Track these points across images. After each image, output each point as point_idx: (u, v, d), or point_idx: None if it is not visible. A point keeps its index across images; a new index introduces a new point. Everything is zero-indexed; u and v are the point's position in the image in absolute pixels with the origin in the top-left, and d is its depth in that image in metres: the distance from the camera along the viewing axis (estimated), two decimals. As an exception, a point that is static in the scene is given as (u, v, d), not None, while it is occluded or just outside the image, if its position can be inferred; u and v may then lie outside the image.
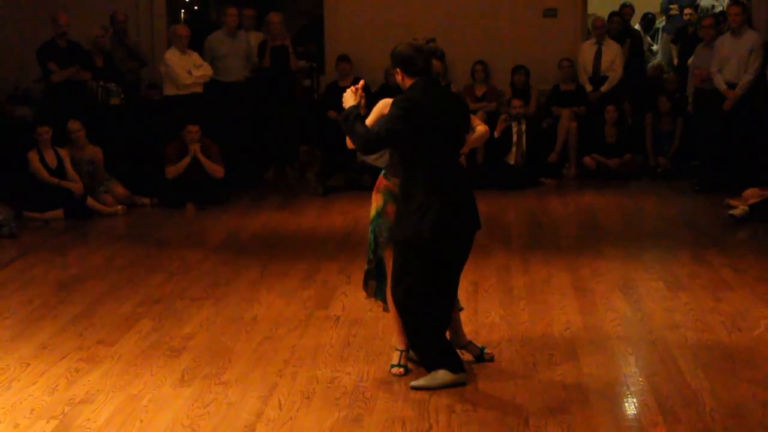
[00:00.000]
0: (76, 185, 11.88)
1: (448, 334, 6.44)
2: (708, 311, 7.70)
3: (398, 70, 6.11)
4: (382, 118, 6.06)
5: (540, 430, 5.53)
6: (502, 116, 13.64)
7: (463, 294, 6.67)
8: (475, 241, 6.31)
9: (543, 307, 7.89)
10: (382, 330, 7.10)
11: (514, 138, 13.51)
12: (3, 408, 5.95)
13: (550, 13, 14.80)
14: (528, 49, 14.57)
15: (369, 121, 6.18)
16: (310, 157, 14.07)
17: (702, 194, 12.57)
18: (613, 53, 14.35)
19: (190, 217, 12.00)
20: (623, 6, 16.12)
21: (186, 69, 13.06)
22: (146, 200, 12.49)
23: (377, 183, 6.48)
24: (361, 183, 12.22)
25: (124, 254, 10.01)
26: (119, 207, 12.10)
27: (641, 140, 14.25)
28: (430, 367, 6.19)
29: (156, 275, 9.09)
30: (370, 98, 6.45)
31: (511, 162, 13.53)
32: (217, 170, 12.54)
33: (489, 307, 7.84)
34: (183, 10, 17.52)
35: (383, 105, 6.29)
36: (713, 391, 6.05)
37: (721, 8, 15.91)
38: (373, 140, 5.97)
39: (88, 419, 5.77)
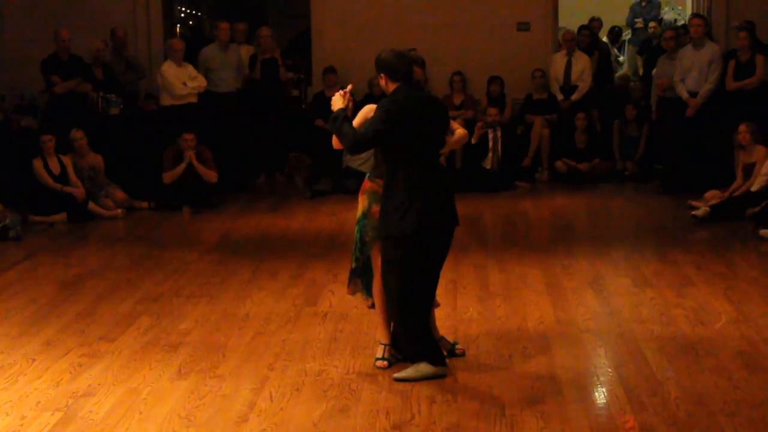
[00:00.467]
0: (78, 190, 11.86)
1: None
2: (672, 306, 7.73)
3: (382, 75, 6.11)
4: (368, 120, 6.07)
5: (515, 418, 5.53)
6: (479, 124, 13.55)
7: (442, 291, 6.67)
8: (453, 241, 6.31)
9: (518, 303, 7.90)
10: (367, 325, 7.10)
11: (491, 144, 13.54)
12: (10, 401, 5.94)
13: (524, 26, 14.82)
14: (503, 60, 14.59)
15: (354, 124, 6.18)
16: (298, 163, 14.06)
17: (666, 196, 12.61)
18: (582, 64, 14.39)
19: (185, 220, 11.99)
20: (592, 20, 16.18)
21: (181, 80, 13.06)
22: (144, 204, 12.47)
23: (362, 185, 6.48)
24: (346, 187, 12.24)
25: (123, 255, 9.99)
26: (119, 210, 12.08)
27: (609, 145, 14.29)
28: (413, 359, 6.19)
29: (154, 275, 9.08)
30: (356, 106, 6.45)
31: (488, 167, 13.55)
32: (211, 175, 12.53)
33: (467, 304, 7.85)
34: (178, 25, 17.51)
35: (367, 110, 6.30)
36: (677, 381, 6.07)
37: (683, 22, 15.98)
38: (360, 141, 5.98)
39: (91, 411, 5.76)
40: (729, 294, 8.03)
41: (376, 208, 6.28)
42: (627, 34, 17.88)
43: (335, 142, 6.32)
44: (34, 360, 6.69)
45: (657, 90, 13.33)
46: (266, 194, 13.51)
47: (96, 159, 12.37)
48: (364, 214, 6.37)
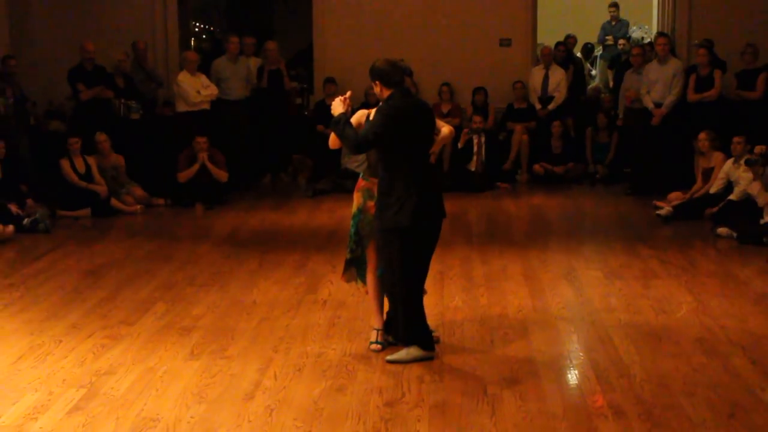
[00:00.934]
0: (101, 188, 11.86)
1: None
2: (638, 296, 7.74)
3: (377, 82, 6.11)
4: (368, 124, 6.07)
5: (497, 396, 5.55)
6: (465, 130, 13.70)
7: (430, 281, 6.67)
8: (441, 235, 6.31)
9: (499, 292, 7.90)
10: (363, 312, 7.10)
11: (475, 149, 13.54)
12: (39, 378, 5.94)
13: (506, 42, 14.82)
14: (486, 73, 14.58)
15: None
16: (301, 164, 14.05)
17: (633, 197, 12.61)
18: (558, 77, 14.39)
19: (198, 216, 11.97)
20: (567, 37, 16.17)
21: (195, 89, 13.04)
22: (161, 201, 12.46)
23: (357, 184, 6.48)
24: (345, 186, 12.21)
25: (142, 247, 9.98)
26: (138, 207, 12.07)
27: (582, 151, 14.30)
28: (407, 343, 6.19)
29: (169, 265, 9.07)
30: (352, 111, 6.46)
31: (472, 169, 13.55)
32: (221, 175, 12.52)
33: (453, 293, 7.86)
34: (193, 39, 17.48)
35: (360, 114, 6.34)
36: (642, 364, 6.09)
37: (649, 39, 15.96)
38: (362, 142, 5.99)
39: (112, 388, 5.76)
40: (689, 286, 8.04)
41: (370, 203, 6.30)
42: (599, 50, 17.88)
43: (332, 143, 6.38)
44: (60, 341, 6.69)
45: (625, 101, 13.33)
46: (271, 193, 13.50)
47: (118, 159, 12.36)
48: (360, 210, 6.38)
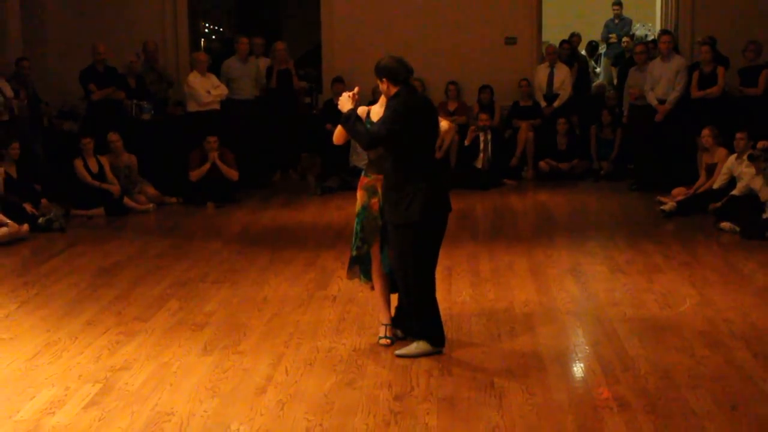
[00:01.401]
0: (114, 187, 11.90)
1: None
2: (643, 291, 7.75)
3: (385, 79, 6.11)
4: (379, 119, 6.08)
5: (503, 389, 5.56)
6: (471, 128, 13.72)
7: (438, 276, 6.65)
8: (448, 232, 6.33)
9: (505, 287, 7.91)
10: (372, 307, 7.11)
11: (481, 146, 13.56)
12: (56, 374, 5.98)
13: (511, 41, 14.82)
14: (492, 71, 14.58)
15: None
16: (309, 163, 14.07)
17: (637, 193, 12.61)
18: (563, 75, 14.38)
19: (210, 214, 11.99)
20: (572, 35, 16.16)
21: (206, 89, 13.06)
22: (173, 199, 12.49)
23: (360, 182, 6.49)
24: (353, 184, 12.05)
25: (155, 245, 10.01)
26: (151, 205, 12.11)
27: (587, 147, 14.28)
28: (417, 336, 6.20)
29: (182, 262, 9.10)
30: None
31: (479, 166, 13.56)
32: (232, 174, 12.55)
33: (461, 288, 7.88)
34: (203, 40, 17.51)
35: (361, 111, 6.33)
36: (647, 357, 6.10)
37: (652, 37, 15.95)
38: (374, 138, 6.00)
39: (127, 383, 5.80)
40: (693, 280, 8.05)
41: (374, 200, 6.31)
42: (603, 48, 17.87)
43: (336, 139, 6.40)
44: (76, 338, 6.73)
45: (629, 98, 13.32)
46: (281, 190, 13.50)
47: (130, 159, 12.40)
48: (364, 207, 6.38)
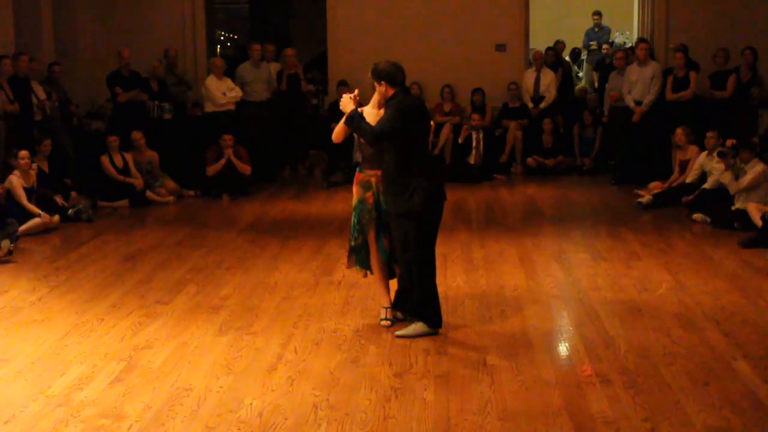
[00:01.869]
0: (137, 181, 11.86)
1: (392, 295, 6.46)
2: (622, 276, 7.72)
3: (383, 82, 6.10)
4: (382, 118, 6.05)
5: (495, 367, 5.54)
6: (465, 127, 13.69)
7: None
8: (443, 222, 6.31)
9: (496, 273, 7.88)
10: (374, 292, 7.03)
11: (474, 144, 13.51)
12: (84, 352, 5.95)
13: (501, 47, 14.77)
14: (484, 75, 14.53)
15: (341, 123, 6.26)
16: (317, 159, 14.04)
17: (617, 186, 12.58)
18: (548, 79, 14.34)
19: (225, 205, 11.96)
20: (556, 42, 16.13)
21: (221, 91, 13.03)
22: (191, 192, 12.45)
23: (355, 177, 6.46)
24: (356, 179, 12.18)
25: (174, 234, 9.97)
26: (171, 198, 12.08)
27: (571, 145, 14.25)
28: (418, 317, 6.17)
29: (199, 250, 9.07)
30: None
31: (472, 162, 13.52)
32: (245, 169, 12.52)
33: (455, 274, 7.84)
34: (219, 46, 17.47)
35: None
36: (626, 337, 6.08)
37: (630, 44, 15.90)
38: (379, 134, 5.98)
39: (149, 361, 5.77)
40: (668, 266, 8.02)
41: (368, 194, 6.29)
42: (584, 54, 17.82)
43: (335, 137, 6.44)
44: (102, 319, 6.70)
45: (609, 100, 13.31)
46: (290, 184, 13.47)
47: (152, 155, 12.36)
48: (360, 201, 6.35)
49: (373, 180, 6.28)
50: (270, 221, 10.74)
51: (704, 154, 10.91)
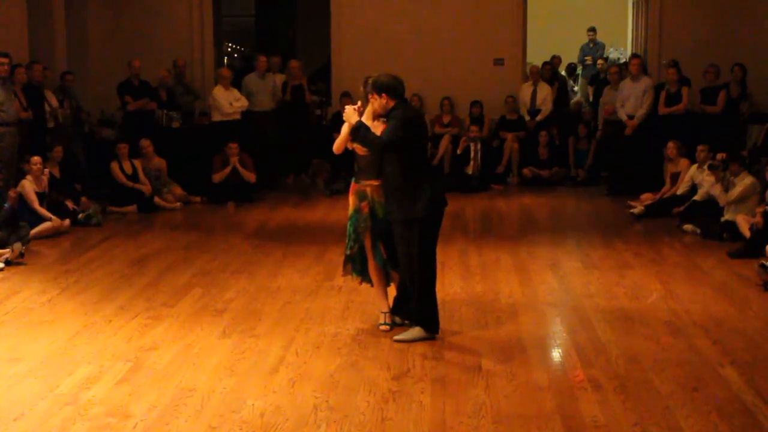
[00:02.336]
0: (146, 187, 11.87)
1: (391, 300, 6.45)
2: (614, 284, 7.71)
3: (384, 94, 6.10)
4: (387, 128, 6.04)
5: (490, 371, 5.53)
6: (463, 138, 13.70)
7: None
8: (441, 231, 6.28)
9: (492, 280, 7.88)
10: (373, 297, 7.01)
11: (472, 154, 13.52)
12: (92, 353, 5.95)
13: (499, 62, 14.79)
14: (482, 88, 14.55)
15: (343, 131, 6.27)
16: (319, 168, 14.03)
17: (610, 197, 12.57)
18: (545, 92, 14.35)
19: (230, 212, 11.96)
20: (553, 57, 16.11)
21: (228, 101, 13.04)
22: (198, 199, 12.45)
23: (351, 188, 6.46)
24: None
25: (181, 239, 9.98)
26: (178, 204, 12.08)
27: (565, 157, 14.26)
28: (416, 322, 6.17)
29: (205, 255, 9.07)
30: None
31: (470, 172, 13.52)
32: (250, 177, 12.52)
33: (452, 281, 7.84)
34: (226, 57, 17.48)
35: (346, 126, 6.30)
36: (618, 344, 6.07)
37: (624, 60, 15.91)
38: (386, 144, 5.98)
39: (155, 362, 5.77)
40: (659, 275, 8.02)
41: (363, 204, 6.29)
42: (580, 69, 17.83)
43: (336, 148, 6.41)
44: (110, 321, 6.70)
45: (603, 113, 13.32)
46: (294, 192, 13.47)
47: (160, 162, 12.37)
48: (356, 210, 6.35)
49: (368, 190, 6.29)
50: (274, 228, 10.74)
51: (695, 166, 10.91)
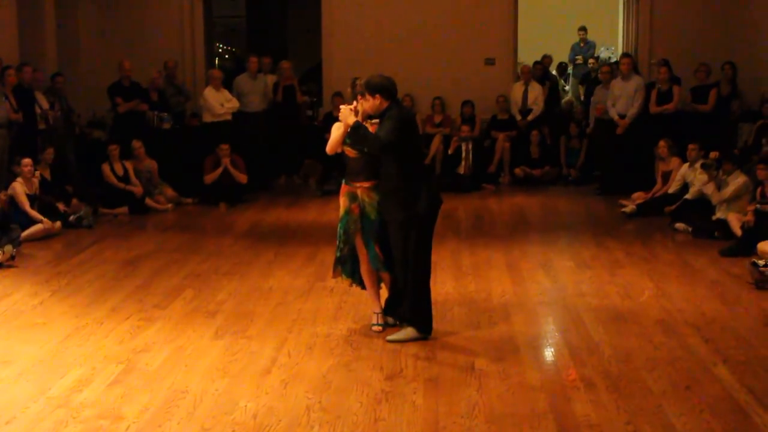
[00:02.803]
0: (137, 189, 11.84)
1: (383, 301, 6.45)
2: (606, 283, 7.73)
3: (378, 95, 6.09)
4: (385, 129, 6.02)
5: (483, 371, 5.54)
6: (455, 138, 13.70)
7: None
8: (434, 231, 6.29)
9: (484, 280, 7.89)
10: (366, 298, 7.01)
11: (463, 154, 13.52)
12: (84, 355, 5.93)
13: (490, 61, 14.79)
14: (474, 88, 14.55)
15: (334, 134, 6.31)
16: (311, 168, 14.02)
17: (601, 196, 12.59)
18: (536, 92, 14.36)
19: (222, 213, 11.93)
20: (544, 57, 16.16)
21: (219, 102, 13.02)
22: (189, 200, 12.43)
23: (341, 189, 6.45)
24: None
25: (173, 240, 9.96)
26: (169, 205, 12.06)
27: (557, 156, 14.26)
28: (409, 322, 6.16)
29: (196, 256, 9.05)
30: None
31: (461, 172, 13.52)
32: (242, 178, 12.50)
33: (444, 280, 7.84)
34: (217, 58, 17.45)
35: (336, 127, 6.33)
36: (610, 343, 6.08)
37: (615, 59, 15.94)
38: (385, 144, 5.97)
39: (147, 364, 5.76)
40: (651, 274, 8.04)
41: (354, 205, 6.29)
42: (571, 68, 17.86)
43: (329, 149, 6.43)
44: (102, 323, 6.69)
45: (594, 112, 13.33)
46: (286, 193, 13.46)
47: (151, 164, 12.34)
48: (346, 212, 6.34)
49: (358, 192, 6.28)
50: (265, 229, 10.72)
51: (686, 165, 10.94)
